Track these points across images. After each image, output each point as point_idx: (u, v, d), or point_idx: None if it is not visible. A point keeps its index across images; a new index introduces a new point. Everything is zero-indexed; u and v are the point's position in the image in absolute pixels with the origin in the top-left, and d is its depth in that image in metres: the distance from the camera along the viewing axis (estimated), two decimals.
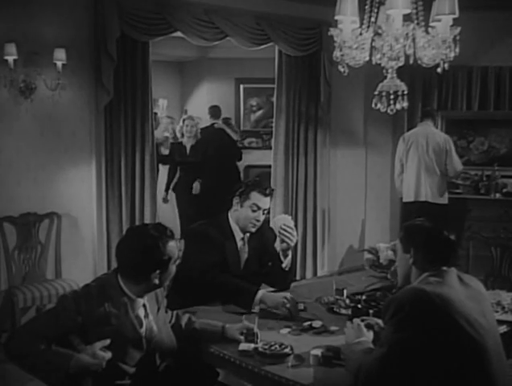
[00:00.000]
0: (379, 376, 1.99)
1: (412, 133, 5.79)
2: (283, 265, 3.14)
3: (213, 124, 7.10)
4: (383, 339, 2.08)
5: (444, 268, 2.20)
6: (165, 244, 2.29)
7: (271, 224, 3.10)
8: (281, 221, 3.10)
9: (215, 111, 7.39)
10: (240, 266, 3.17)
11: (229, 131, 7.02)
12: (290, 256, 3.16)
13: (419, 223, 2.36)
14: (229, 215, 3.21)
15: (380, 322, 2.43)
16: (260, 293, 2.87)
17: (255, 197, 3.12)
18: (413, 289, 2.12)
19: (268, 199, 3.17)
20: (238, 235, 3.19)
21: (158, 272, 2.30)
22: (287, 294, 2.85)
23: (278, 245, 3.19)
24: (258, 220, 3.13)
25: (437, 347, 1.96)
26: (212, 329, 2.52)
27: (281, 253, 3.13)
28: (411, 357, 1.97)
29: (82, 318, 2.18)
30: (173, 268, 2.37)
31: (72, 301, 2.20)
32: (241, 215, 3.15)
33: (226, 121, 7.56)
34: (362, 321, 2.44)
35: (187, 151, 6.46)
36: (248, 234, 3.22)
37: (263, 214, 3.15)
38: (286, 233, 3.06)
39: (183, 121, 6.52)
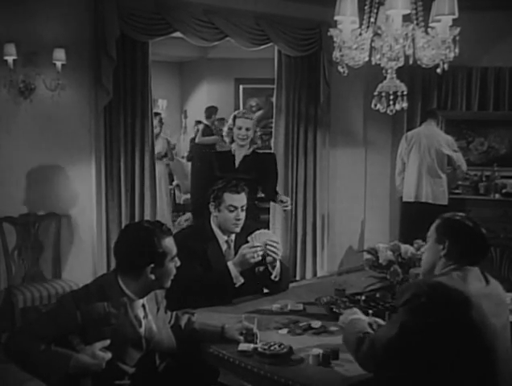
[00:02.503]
0: (383, 352, 2.01)
1: (415, 133, 5.78)
2: (272, 277, 3.13)
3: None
4: (393, 319, 2.09)
5: (469, 267, 2.18)
6: (159, 238, 2.29)
7: (249, 238, 3.08)
8: (264, 237, 3.06)
9: (209, 111, 7.52)
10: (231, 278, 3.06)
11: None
12: (278, 266, 3.14)
13: (461, 218, 2.29)
14: (211, 220, 3.21)
15: (378, 320, 2.44)
16: (229, 264, 3.00)
17: (228, 197, 3.13)
18: (436, 282, 2.10)
19: (242, 195, 3.17)
20: (222, 238, 3.18)
21: (152, 266, 2.28)
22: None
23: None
24: (238, 219, 3.14)
25: (443, 342, 1.98)
26: (212, 329, 2.52)
27: (269, 266, 3.11)
28: (418, 345, 1.98)
29: (82, 318, 2.18)
30: (171, 265, 2.35)
31: (71, 302, 2.20)
32: (221, 219, 3.15)
33: (219, 121, 7.71)
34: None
35: (236, 163, 4.27)
36: (233, 237, 3.22)
37: (242, 211, 3.16)
38: (271, 248, 3.04)
39: (234, 119, 4.30)
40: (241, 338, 2.46)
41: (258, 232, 3.10)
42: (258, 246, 3.02)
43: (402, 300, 2.07)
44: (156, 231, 2.31)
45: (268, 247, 3.04)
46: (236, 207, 3.13)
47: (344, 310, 2.53)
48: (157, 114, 6.77)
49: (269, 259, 3.08)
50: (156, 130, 6.44)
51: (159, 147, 6.54)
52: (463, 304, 2.01)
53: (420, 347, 1.99)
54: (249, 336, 2.45)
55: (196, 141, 7.79)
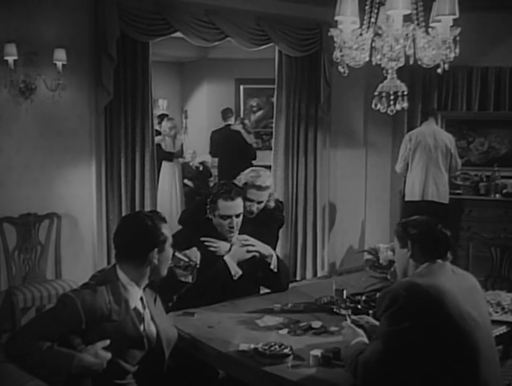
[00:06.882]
0: (377, 369, 2.01)
1: (419, 132, 5.75)
2: (271, 267, 3.10)
3: (228, 125, 7.30)
4: (379, 333, 2.11)
5: (439, 261, 2.24)
6: (159, 224, 2.36)
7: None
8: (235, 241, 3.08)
9: (225, 113, 7.52)
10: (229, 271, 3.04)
11: (243, 133, 7.10)
12: (274, 257, 3.12)
13: (415, 218, 2.40)
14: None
15: (370, 319, 2.44)
16: (226, 258, 3.00)
17: (222, 205, 3.00)
18: (406, 281, 2.16)
19: (237, 201, 3.01)
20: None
21: (156, 250, 2.33)
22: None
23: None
24: (231, 227, 3.03)
25: (429, 339, 1.99)
26: None
27: (266, 258, 3.09)
28: (407, 349, 1.99)
29: (85, 317, 2.17)
30: (170, 250, 2.42)
31: (74, 300, 2.19)
32: (217, 223, 3.08)
33: (242, 121, 7.64)
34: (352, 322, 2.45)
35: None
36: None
37: (237, 217, 3.04)
38: (245, 244, 3.03)
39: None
40: (181, 271, 2.55)
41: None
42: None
43: (381, 308, 2.10)
44: (155, 218, 2.37)
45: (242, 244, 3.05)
46: (229, 216, 3.02)
47: (346, 328, 2.39)
48: (171, 119, 7.18)
49: (254, 253, 3.06)
50: (176, 130, 7.07)
51: (178, 145, 7.04)
52: (438, 297, 2.04)
53: (410, 350, 1.99)
54: (185, 267, 2.55)
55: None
